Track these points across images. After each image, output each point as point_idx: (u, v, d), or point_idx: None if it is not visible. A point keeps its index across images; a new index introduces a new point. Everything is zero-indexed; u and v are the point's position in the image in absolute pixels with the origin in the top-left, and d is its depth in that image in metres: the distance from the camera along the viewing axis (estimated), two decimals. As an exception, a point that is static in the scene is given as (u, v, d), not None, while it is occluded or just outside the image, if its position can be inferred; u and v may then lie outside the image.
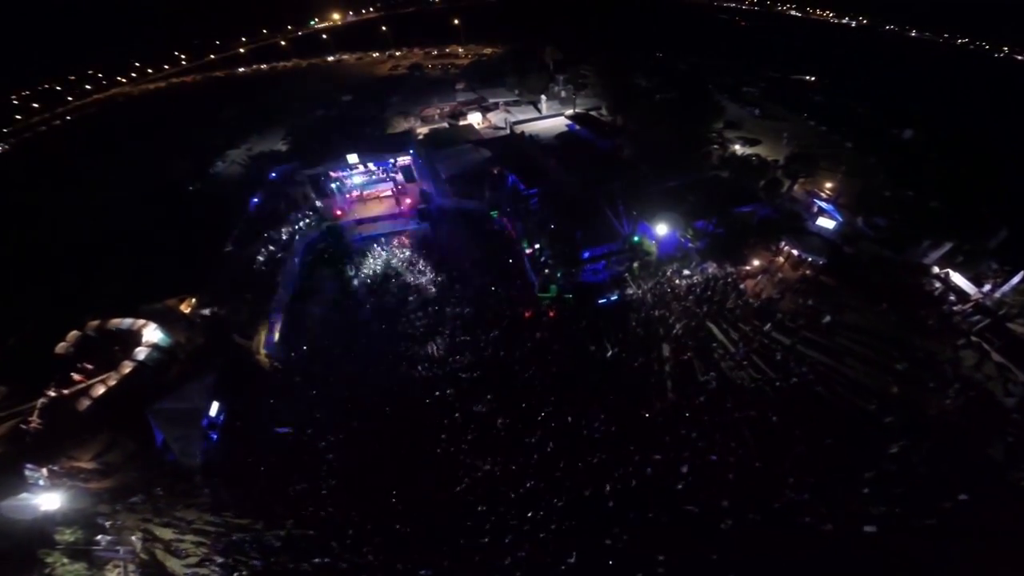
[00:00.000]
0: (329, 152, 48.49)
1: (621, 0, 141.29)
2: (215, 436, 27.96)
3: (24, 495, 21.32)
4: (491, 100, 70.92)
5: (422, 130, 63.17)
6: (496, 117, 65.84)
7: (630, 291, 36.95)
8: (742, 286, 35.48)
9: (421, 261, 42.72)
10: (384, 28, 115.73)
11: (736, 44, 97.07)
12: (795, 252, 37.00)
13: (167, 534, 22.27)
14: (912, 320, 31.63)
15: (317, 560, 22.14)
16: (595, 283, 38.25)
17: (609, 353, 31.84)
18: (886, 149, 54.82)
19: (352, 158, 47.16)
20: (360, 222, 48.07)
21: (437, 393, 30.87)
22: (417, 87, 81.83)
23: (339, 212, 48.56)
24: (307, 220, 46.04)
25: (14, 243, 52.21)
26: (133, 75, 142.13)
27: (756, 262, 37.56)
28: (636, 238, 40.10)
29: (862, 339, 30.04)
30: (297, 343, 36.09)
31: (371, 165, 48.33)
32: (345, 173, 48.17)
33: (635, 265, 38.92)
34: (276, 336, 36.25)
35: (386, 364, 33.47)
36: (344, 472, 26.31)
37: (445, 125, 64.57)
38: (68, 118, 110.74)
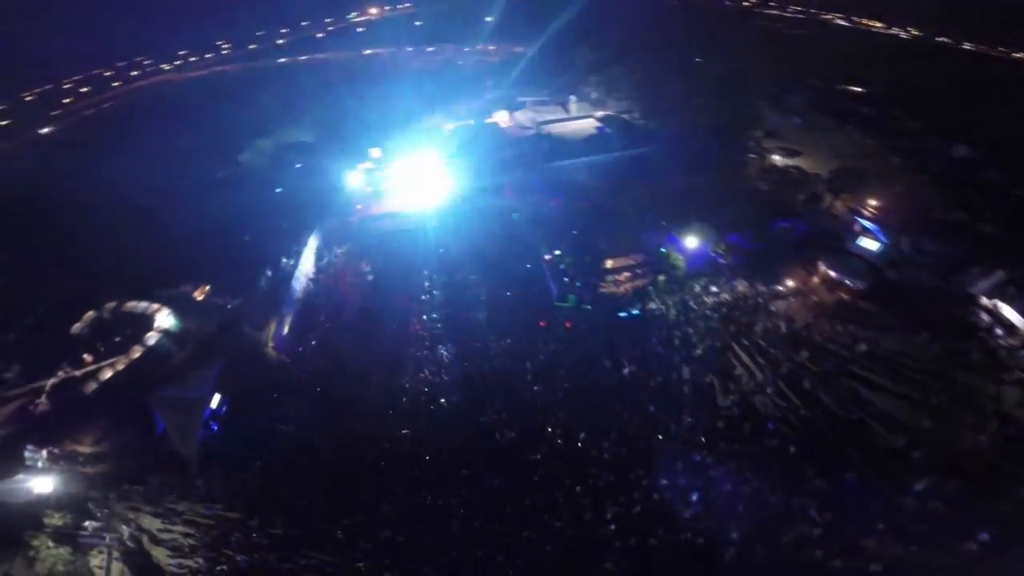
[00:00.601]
0: (354, 145, 48.05)
1: (660, 1, 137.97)
2: (215, 427, 27.53)
3: (20, 476, 21.20)
4: (519, 98, 69.61)
5: (448, 126, 62.40)
6: (524, 116, 64.50)
7: (653, 306, 34.98)
8: (773, 307, 33.16)
9: (438, 260, 41.69)
10: (418, 23, 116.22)
11: (779, 51, 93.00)
12: (833, 274, 34.38)
13: (156, 524, 21.97)
14: (954, 352, 28.96)
15: (304, 562, 21.42)
16: (616, 295, 36.47)
17: (626, 370, 30.09)
18: (938, 166, 50.98)
19: (375, 152, 46.58)
20: (379, 217, 47.45)
21: (442, 400, 29.85)
22: (447, 83, 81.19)
23: (360, 205, 48.07)
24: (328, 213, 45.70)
25: (50, 221, 53.78)
26: (178, 63, 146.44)
27: (790, 282, 35.06)
28: (663, 250, 38.20)
29: (898, 370, 27.79)
30: (306, 338, 35.68)
31: (395, 159, 47.62)
32: (369, 166, 47.61)
33: (660, 279, 36.88)
34: (286, 329, 35.83)
35: (393, 366, 32.52)
36: (339, 474, 25.51)
37: (471, 122, 63.65)
38: (112, 103, 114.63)
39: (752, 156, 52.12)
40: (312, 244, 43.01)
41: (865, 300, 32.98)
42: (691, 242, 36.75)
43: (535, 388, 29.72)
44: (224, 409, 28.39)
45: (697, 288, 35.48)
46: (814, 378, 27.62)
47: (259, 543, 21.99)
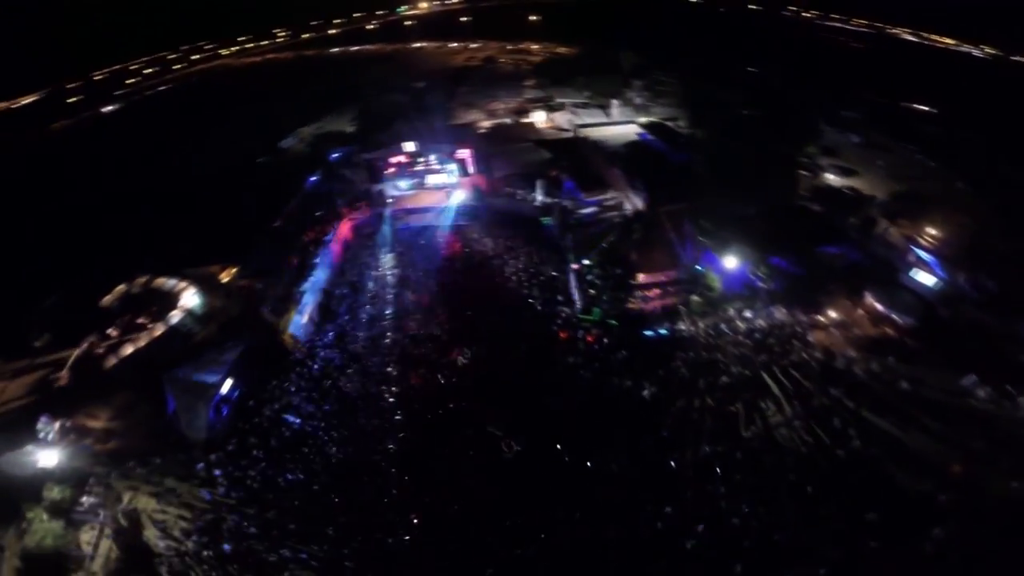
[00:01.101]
0: (390, 137, 47.84)
1: (715, 9, 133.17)
2: (225, 411, 27.48)
3: (28, 448, 21.49)
4: (558, 100, 67.96)
5: (484, 124, 61.58)
6: (561, 117, 62.78)
7: (682, 326, 32.88)
8: (811, 337, 30.78)
9: (463, 260, 40.94)
10: (464, 19, 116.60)
11: (841, 64, 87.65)
12: (880, 307, 31.61)
13: (151, 504, 22.01)
14: (1003, 397, 26.32)
15: (290, 554, 21.19)
16: (644, 312, 34.48)
17: (646, 391, 28.46)
18: (1006, 196, 46.18)
19: (409, 146, 46.21)
20: (409, 211, 47.16)
21: (451, 405, 29.10)
22: (487, 80, 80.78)
23: (390, 199, 47.86)
24: (357, 204, 45.68)
25: (100, 195, 56.37)
26: (235, 48, 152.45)
27: (832, 313, 32.44)
28: (699, 268, 35.97)
29: (938, 412, 25.64)
30: (324, 328, 35.55)
31: (427, 155, 47.14)
32: (401, 160, 47.31)
33: (693, 298, 34.66)
34: (305, 318, 35.74)
35: (407, 365, 32.05)
36: (340, 470, 25.28)
37: (508, 121, 62.55)
38: (171, 85, 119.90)
39: (804, 173, 48.78)
40: (340, 234, 43.00)
41: (912, 337, 30.28)
42: (730, 262, 34.41)
43: (546, 400, 28.72)
44: (236, 395, 28.32)
45: (731, 311, 33.22)
46: (846, 415, 25.72)
47: (250, 532, 21.90)
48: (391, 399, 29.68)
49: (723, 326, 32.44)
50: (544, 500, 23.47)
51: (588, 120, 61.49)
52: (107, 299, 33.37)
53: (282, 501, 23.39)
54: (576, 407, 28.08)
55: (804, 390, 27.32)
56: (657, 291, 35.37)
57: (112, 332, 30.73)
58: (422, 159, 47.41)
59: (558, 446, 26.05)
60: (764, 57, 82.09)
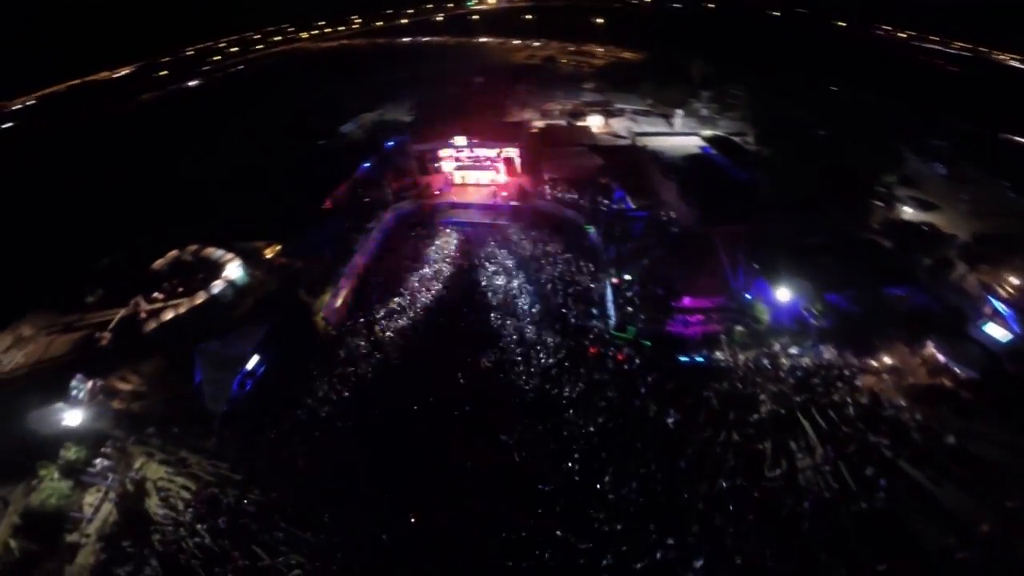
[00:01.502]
0: (442, 130, 47.63)
1: (799, 23, 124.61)
2: (248, 386, 27.95)
3: (58, 405, 22.40)
4: (617, 105, 65.62)
5: (538, 123, 60.28)
6: (619, 124, 60.49)
7: (720, 356, 30.59)
8: (859, 381, 28.16)
9: (498, 261, 40.10)
10: (529, 17, 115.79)
11: (934, 89, 79.44)
12: (941, 357, 28.43)
13: (160, 472, 22.53)
14: None
15: (280, 535, 21.28)
16: (682, 336, 32.20)
17: (671, 419, 26.76)
18: None
19: (460, 140, 45.80)
20: (453, 206, 46.85)
21: (468, 408, 28.47)
22: (546, 79, 79.39)
23: (437, 192, 47.74)
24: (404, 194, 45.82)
25: (168, 163, 60.11)
26: (314, 32, 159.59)
27: (887, 358, 29.45)
28: (749, 297, 33.16)
29: (980, 469, 23.79)
30: (355, 315, 35.74)
31: (477, 151, 46.58)
32: (451, 154, 47.04)
33: (737, 328, 32.01)
34: (339, 302, 36.09)
35: (430, 361, 31.59)
36: (345, 460, 25.18)
37: (563, 123, 60.95)
38: (249, 65, 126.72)
39: (878, 204, 44.28)
40: (384, 223, 43.25)
41: (970, 390, 27.38)
42: (783, 294, 31.70)
43: (565, 414, 27.66)
44: (260, 371, 28.80)
45: (776, 346, 30.77)
46: (881, 464, 24.01)
47: (248, 510, 22.13)
48: (408, 394, 29.31)
49: (764, 360, 30.14)
50: (543, 516, 22.82)
51: (648, 129, 58.89)
52: (159, 263, 35.06)
53: (284, 483, 23.52)
54: (595, 426, 26.90)
55: (840, 434, 25.60)
56: (699, 316, 32.95)
57: (157, 296, 32.14)
58: (471, 154, 46.89)
59: (569, 464, 25.16)
60: (849, 76, 75.76)
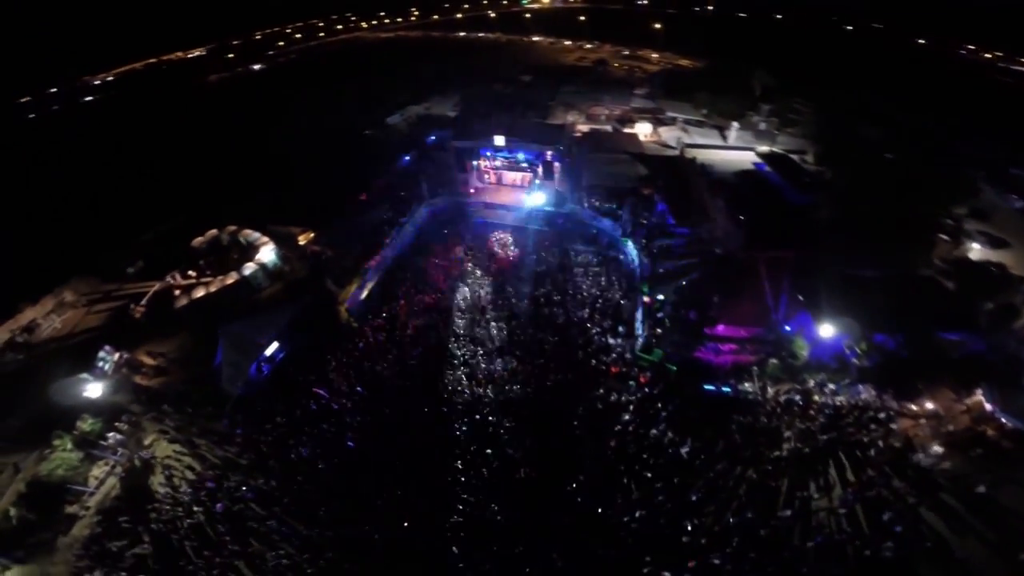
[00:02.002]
0: (484, 128, 47.02)
1: (873, 39, 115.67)
2: (266, 370, 28.30)
3: (83, 376, 23.18)
4: (669, 114, 62.79)
5: (582, 127, 58.64)
6: (668, 133, 57.81)
7: (748, 387, 28.79)
8: (894, 425, 26.33)
9: (527, 267, 39.14)
10: (582, 18, 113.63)
11: (1019, 116, 71.69)
12: (988, 407, 25.99)
13: (169, 451, 22.92)
14: None
15: (273, 524, 21.36)
16: (711, 364, 30.29)
17: (686, 448, 25.41)
18: None
19: (499, 140, 45.03)
20: (487, 206, 46.19)
21: (478, 416, 27.78)
22: (595, 82, 77.25)
23: (472, 190, 47.25)
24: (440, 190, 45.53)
25: (222, 142, 62.56)
26: (374, 22, 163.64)
27: (929, 404, 27.20)
28: (788, 329, 30.74)
29: (1004, 521, 22.42)
30: (379, 309, 35.72)
31: (515, 152, 45.71)
32: (490, 153, 46.40)
33: (772, 362, 29.80)
34: (364, 294, 36.22)
35: (446, 364, 31.05)
36: (350, 456, 25.12)
37: (608, 128, 58.90)
38: (310, 52, 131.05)
39: (944, 238, 40.22)
40: (417, 218, 43.16)
41: (1012, 440, 25.50)
42: (826, 330, 29.40)
43: (577, 433, 26.74)
44: (279, 357, 29.12)
45: (811, 383, 28.78)
46: (900, 510, 22.89)
47: (247, 496, 22.26)
48: (420, 395, 28.92)
49: (795, 396, 28.28)
50: (539, 535, 22.09)
51: (699, 140, 56.01)
52: (198, 240, 36.23)
53: (286, 473, 23.62)
54: (607, 449, 25.80)
55: (864, 478, 24.29)
56: (732, 345, 30.88)
57: (191, 273, 33.19)
58: (509, 155, 46.05)
59: (573, 484, 24.26)
60: (926, 96, 69.51)
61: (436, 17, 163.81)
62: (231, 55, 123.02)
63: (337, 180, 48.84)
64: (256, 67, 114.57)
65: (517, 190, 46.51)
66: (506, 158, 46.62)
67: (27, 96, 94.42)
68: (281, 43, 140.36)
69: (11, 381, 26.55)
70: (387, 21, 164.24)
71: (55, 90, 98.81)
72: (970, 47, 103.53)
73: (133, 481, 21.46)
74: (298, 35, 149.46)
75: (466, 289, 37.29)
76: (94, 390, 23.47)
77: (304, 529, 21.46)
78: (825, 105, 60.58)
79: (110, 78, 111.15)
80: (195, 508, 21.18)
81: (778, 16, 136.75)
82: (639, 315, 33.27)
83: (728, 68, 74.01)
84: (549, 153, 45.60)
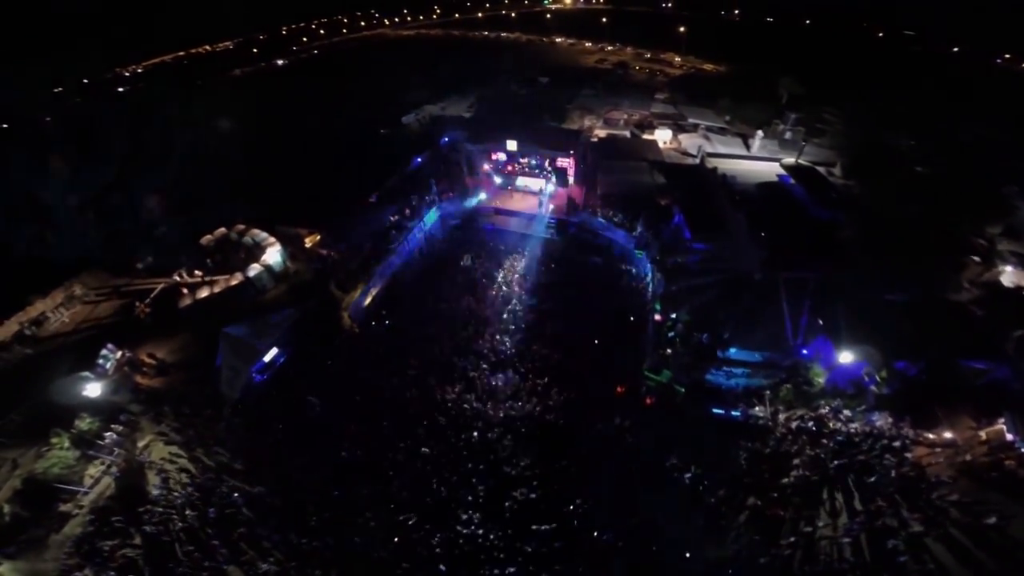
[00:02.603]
0: (498, 131, 46.12)
1: (907, 47, 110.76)
2: (264, 376, 27.98)
3: (85, 374, 23.11)
4: (691, 120, 61.01)
5: (600, 132, 57.23)
6: (689, 141, 56.04)
7: (759, 412, 27.69)
8: (909, 454, 25.31)
9: (535, 278, 38.16)
10: (604, 20, 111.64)
11: None
12: (1009, 436, 24.86)
13: (164, 452, 22.80)
14: None
15: (262, 531, 21.16)
16: (721, 387, 29.14)
17: (689, 474, 24.66)
18: None
19: (512, 144, 44.07)
20: (498, 211, 45.27)
21: (475, 433, 26.99)
22: (614, 86, 75.62)
23: (483, 195, 46.41)
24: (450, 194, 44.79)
25: (239, 138, 62.76)
26: (396, 19, 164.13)
27: (948, 433, 26.05)
28: (805, 354, 29.32)
29: (1009, 552, 21.52)
30: (381, 315, 35.21)
31: (529, 157, 44.70)
32: (502, 157, 45.48)
33: (786, 387, 28.57)
34: (367, 300, 35.74)
35: (445, 376, 30.27)
36: (342, 467, 24.64)
37: (626, 134, 57.41)
38: (331, 47, 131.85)
39: (974, 260, 38.02)
40: (425, 223, 42.48)
41: None
42: (845, 356, 27.98)
43: (578, 453, 26.06)
44: (279, 362, 28.77)
45: (826, 410, 27.64)
46: (906, 539, 22.22)
47: (237, 501, 21.99)
48: (417, 409, 28.23)
49: (808, 423, 27.15)
50: (530, 556, 21.64)
51: (721, 149, 54.14)
52: (207, 238, 36.18)
53: (279, 480, 23.34)
54: (606, 470, 25.05)
55: (872, 506, 23.44)
56: (745, 370, 29.50)
57: (197, 272, 33.10)
58: (523, 159, 45.06)
59: (570, 506, 23.65)
60: (962, 108, 66.02)
61: (457, 16, 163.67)
62: (255, 49, 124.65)
63: (350, 180, 48.41)
64: (280, 62, 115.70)
65: (529, 196, 45.48)
66: (519, 163, 45.61)
67: (59, 87, 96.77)
68: (304, 39, 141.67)
69: (15, 376, 26.80)
70: (409, 19, 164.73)
71: (86, 81, 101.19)
72: (1006, 56, 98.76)
73: (128, 482, 21.48)
74: (322, 31, 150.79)
75: (471, 299, 36.48)
76: (94, 389, 23.64)
77: (293, 537, 21.19)
78: (855, 114, 57.98)
79: (140, 70, 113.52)
80: (188, 512, 21.04)
81: (807, 21, 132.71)
82: (650, 333, 32.07)
83: (753, 73, 71.85)
84: (562, 158, 44.47)
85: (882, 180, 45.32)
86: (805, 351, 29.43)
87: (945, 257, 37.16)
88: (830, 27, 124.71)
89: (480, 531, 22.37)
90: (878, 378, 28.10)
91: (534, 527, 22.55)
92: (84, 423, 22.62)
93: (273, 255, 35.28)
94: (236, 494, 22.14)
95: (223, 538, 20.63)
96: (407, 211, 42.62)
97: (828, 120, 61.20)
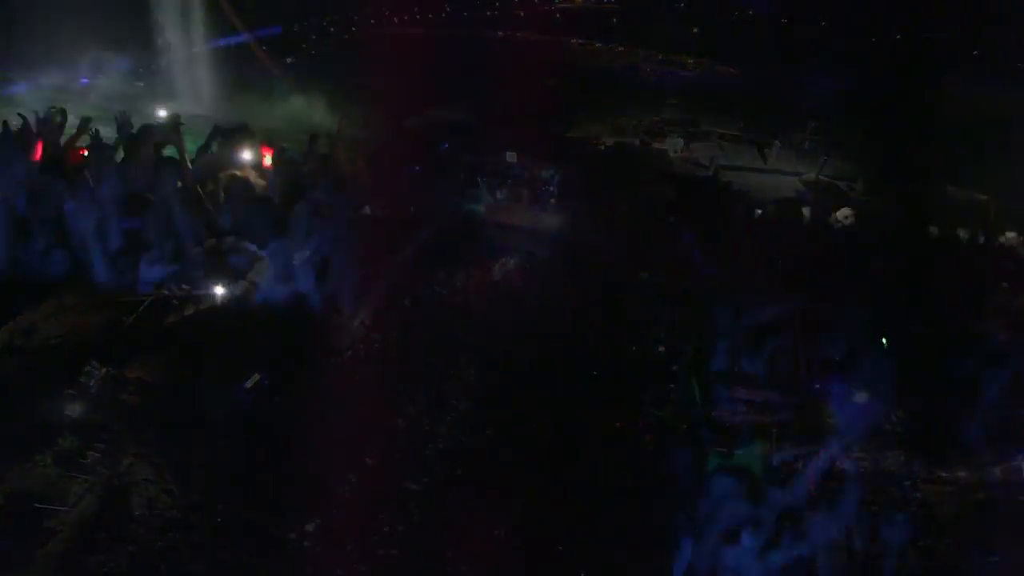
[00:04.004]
0: (496, 140, 44.90)
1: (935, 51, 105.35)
2: (252, 394, 27.08)
3: (69, 391, 23.55)
4: (704, 126, 58.05)
5: (605, 140, 55.40)
6: (702, 149, 53.73)
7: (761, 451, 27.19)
8: (918, 492, 25.66)
9: (531, 301, 36.63)
10: (615, 19, 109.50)
11: None
12: None
13: (149, 473, 22.48)
14: None
15: (244, 555, 20.49)
16: (723, 424, 28.11)
17: (685, 512, 24.03)
18: None
19: (511, 155, 42.80)
20: (496, 226, 43.63)
21: (459, 470, 25.63)
22: (624, 88, 73.46)
23: (480, 208, 44.96)
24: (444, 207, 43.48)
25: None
26: (406, 17, 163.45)
27: (963, 471, 26.40)
28: (817, 389, 28.69)
29: None
30: (373, 333, 33.52)
31: (529, 168, 43.43)
32: (500, 168, 44.36)
33: (793, 424, 27.81)
34: (359, 317, 34.53)
35: (436, 403, 29.02)
36: (328, 494, 23.32)
37: (634, 142, 55.28)
38: (339, 45, 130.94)
39: (1004, 286, 35.95)
40: (419, 237, 41.28)
41: None
42: (860, 397, 27.20)
43: (567, 492, 24.93)
44: (267, 382, 27.79)
45: (833, 448, 26.57)
46: (896, 562, 22.02)
47: (220, 524, 21.42)
48: (408, 433, 27.22)
49: (811, 460, 26.13)
50: None
51: (735, 160, 51.82)
52: (196, 250, 35.47)
53: (261, 504, 22.59)
54: (597, 508, 23.96)
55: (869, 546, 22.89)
56: (753, 407, 28.27)
57: (191, 282, 32.64)
58: (523, 171, 43.81)
59: (558, 546, 22.41)
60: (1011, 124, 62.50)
61: (465, 14, 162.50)
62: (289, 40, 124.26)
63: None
64: (289, 60, 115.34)
65: (527, 211, 44.02)
66: (518, 175, 44.37)
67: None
68: (314, 36, 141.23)
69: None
70: (418, 16, 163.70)
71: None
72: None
73: (111, 502, 21.19)
74: (332, 28, 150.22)
75: (465, 320, 34.99)
76: (75, 409, 23.50)
77: (270, 563, 20.46)
78: (886, 125, 55.17)
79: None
80: (170, 534, 20.63)
81: (823, 23, 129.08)
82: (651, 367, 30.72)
83: (774, 77, 69.23)
84: (565, 170, 43.10)
85: (908, 199, 42.86)
86: (816, 389, 28.28)
87: (973, 285, 35.02)
88: (849, 30, 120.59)
89: (461, 557, 21.24)
90: (894, 417, 27.33)
91: (513, 557, 21.23)
92: (67, 441, 22.46)
93: (263, 267, 34.57)
94: (219, 518, 21.57)
95: (202, 560, 20.06)
96: (401, 222, 41.45)
97: (854, 130, 58.28)
